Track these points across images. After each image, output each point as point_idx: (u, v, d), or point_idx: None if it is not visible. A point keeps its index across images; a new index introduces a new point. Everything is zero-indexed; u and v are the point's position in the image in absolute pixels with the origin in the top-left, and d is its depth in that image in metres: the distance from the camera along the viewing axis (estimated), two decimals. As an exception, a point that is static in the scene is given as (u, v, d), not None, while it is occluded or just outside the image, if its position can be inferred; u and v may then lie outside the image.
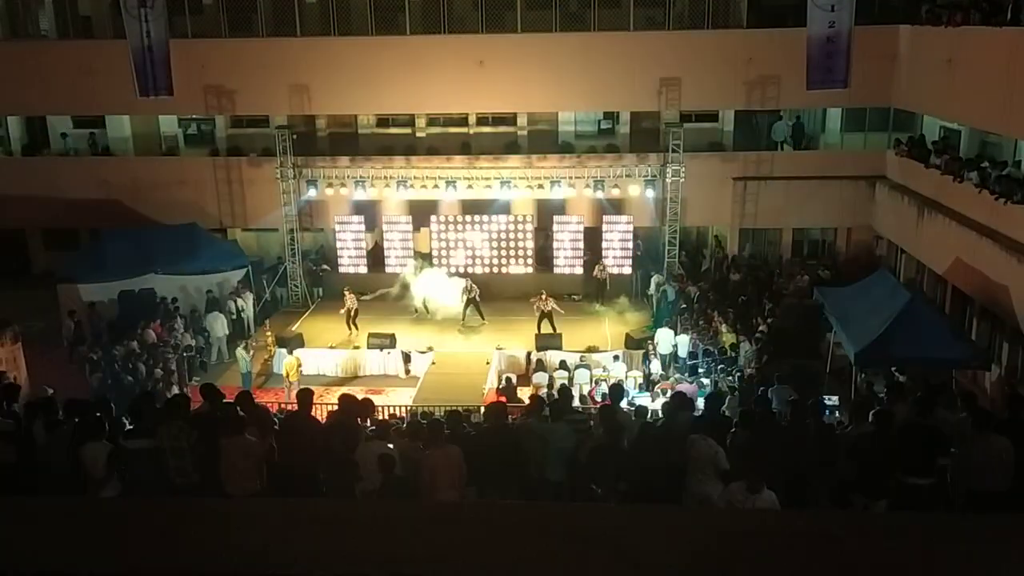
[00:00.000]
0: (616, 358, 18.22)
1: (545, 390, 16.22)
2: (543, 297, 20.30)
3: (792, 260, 24.17)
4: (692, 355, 17.54)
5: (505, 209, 23.67)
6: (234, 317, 20.55)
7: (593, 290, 22.19)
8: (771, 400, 12.23)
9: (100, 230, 22.15)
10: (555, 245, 23.36)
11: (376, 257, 24.36)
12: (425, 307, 21.16)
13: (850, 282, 18.29)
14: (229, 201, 24.34)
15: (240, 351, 18.58)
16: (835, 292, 17.75)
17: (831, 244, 24.58)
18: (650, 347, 18.12)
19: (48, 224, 24.74)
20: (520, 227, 23.13)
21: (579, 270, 23.35)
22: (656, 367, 17.59)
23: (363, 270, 23.74)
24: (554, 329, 20.07)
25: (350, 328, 20.53)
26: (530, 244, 23.18)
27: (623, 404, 10.39)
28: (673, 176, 22.16)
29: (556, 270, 23.38)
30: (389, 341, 19.48)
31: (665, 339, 18.59)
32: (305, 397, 8.63)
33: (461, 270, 22.65)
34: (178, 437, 7.83)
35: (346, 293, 20.52)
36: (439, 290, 21.30)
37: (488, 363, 18.69)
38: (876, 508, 7.31)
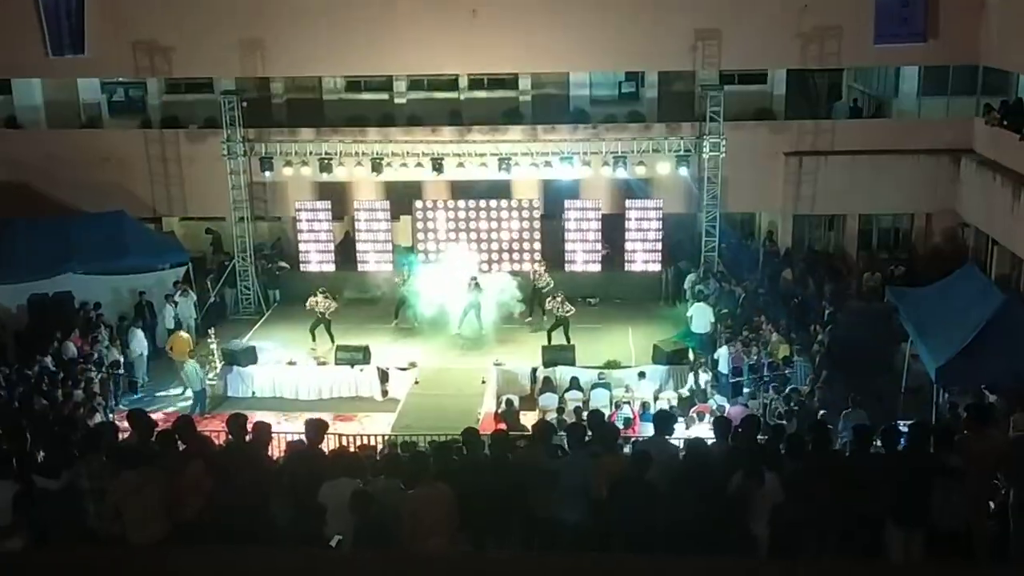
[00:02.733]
0: (642, 375, 18.20)
1: (554, 415, 16.23)
2: (560, 299, 20.34)
3: (859, 254, 24.20)
4: (736, 371, 17.54)
5: (505, 193, 23.67)
6: (171, 328, 20.64)
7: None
8: (835, 427, 12.22)
9: (4, 219, 22.19)
10: (567, 236, 23.39)
11: (346, 252, 24.40)
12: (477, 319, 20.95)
13: (930, 281, 18.28)
14: (164, 184, 24.34)
15: (191, 365, 18.64)
16: (911, 293, 17.74)
17: (906, 233, 24.60)
18: (700, 360, 18.10)
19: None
20: (524, 215, 23.18)
21: (596, 267, 23.42)
22: (705, 380, 17.63)
23: (330, 268, 23.74)
24: (567, 339, 20.12)
25: (315, 338, 20.60)
26: (536, 235, 23.23)
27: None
28: (711, 151, 22.18)
29: (568, 267, 23.41)
30: (362, 355, 19.45)
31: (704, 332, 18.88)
32: (237, 422, 8.65)
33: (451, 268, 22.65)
34: (99, 475, 7.82)
35: (319, 296, 20.52)
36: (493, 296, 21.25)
37: (484, 382, 18.68)
38: (914, 543, 7.51)
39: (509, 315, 21.35)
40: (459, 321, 21.03)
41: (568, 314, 20.20)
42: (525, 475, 8.34)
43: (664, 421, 9.40)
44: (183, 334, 20.13)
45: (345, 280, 23.29)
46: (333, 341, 20.39)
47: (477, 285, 20.85)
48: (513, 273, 21.95)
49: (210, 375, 19.30)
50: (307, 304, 20.47)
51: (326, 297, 20.60)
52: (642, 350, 20.00)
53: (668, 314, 22.40)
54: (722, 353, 18.43)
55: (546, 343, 19.97)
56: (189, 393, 18.89)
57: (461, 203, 23.19)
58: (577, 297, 22.55)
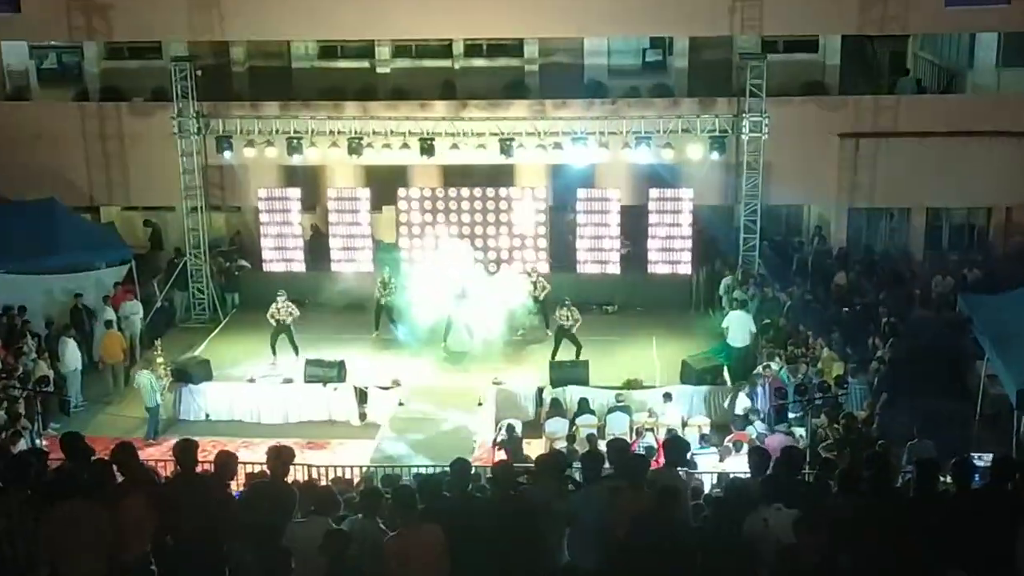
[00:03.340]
0: (668, 397, 18.22)
1: (563, 444, 16.23)
2: (567, 307, 20.38)
3: (926, 254, 24.16)
4: (779, 392, 17.54)
5: (507, 180, 23.56)
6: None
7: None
8: (897, 459, 12.19)
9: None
10: (579, 232, 23.43)
11: (315, 250, 24.39)
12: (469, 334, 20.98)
13: (1010, 286, 18.26)
14: (104, 166, 24.37)
15: (145, 376, 18.69)
16: (988, 302, 17.69)
17: (982, 231, 24.60)
18: (761, 378, 18.11)
19: None
20: (529, 205, 23.17)
21: (614, 268, 23.43)
22: (745, 404, 17.65)
23: (298, 268, 23.80)
24: (578, 354, 20.12)
25: (275, 352, 20.64)
26: (543, 230, 23.23)
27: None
28: (752, 131, 22.19)
29: (580, 268, 23.43)
30: (335, 372, 19.46)
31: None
32: (185, 450, 8.67)
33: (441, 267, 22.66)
34: (21, 513, 7.82)
35: (279, 301, 20.55)
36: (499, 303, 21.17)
37: (481, 403, 18.69)
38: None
39: (519, 328, 21.37)
40: (444, 333, 21.05)
41: (573, 325, 20.22)
42: (531, 515, 8.33)
43: (675, 449, 9.40)
44: (114, 332, 20.23)
45: (316, 283, 23.34)
46: (297, 353, 20.43)
47: (464, 296, 20.89)
48: (528, 275, 21.91)
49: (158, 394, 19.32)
50: (268, 314, 20.50)
51: (288, 301, 20.62)
52: (668, 367, 19.98)
53: (699, 325, 22.35)
54: (759, 373, 18.37)
55: (553, 358, 19.97)
56: (135, 413, 18.94)
57: (455, 192, 23.18)
58: (591, 304, 22.52)
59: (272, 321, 20.51)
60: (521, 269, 22.33)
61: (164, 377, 19.25)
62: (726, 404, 18.74)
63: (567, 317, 20.23)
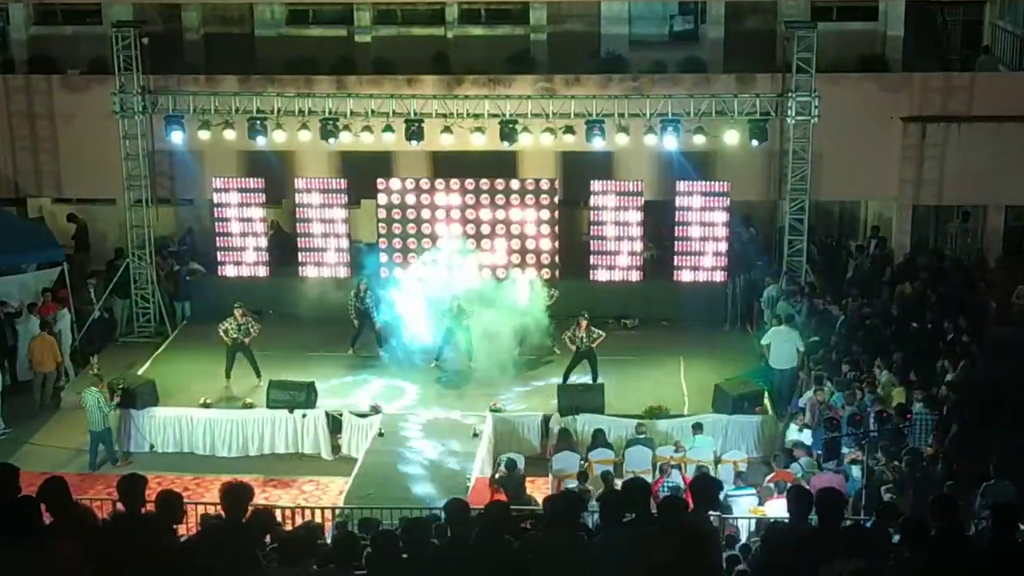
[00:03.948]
0: (698, 428, 18.21)
1: (574, 482, 16.19)
2: (582, 325, 20.38)
3: (1004, 261, 24.15)
4: (830, 423, 17.49)
5: (508, 170, 23.58)
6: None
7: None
8: (970, 504, 12.14)
9: None
10: (594, 232, 23.46)
11: (282, 249, 24.31)
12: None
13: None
14: (31, 150, 24.42)
15: (92, 394, 18.68)
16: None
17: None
18: (810, 406, 18.08)
19: None
20: (535, 200, 23.22)
21: (634, 275, 23.47)
22: (794, 437, 17.62)
23: (261, 272, 23.87)
24: (594, 376, 20.12)
25: (229, 375, 20.64)
26: (552, 230, 23.22)
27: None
28: (799, 114, 22.19)
29: (596, 276, 23.46)
30: (304, 396, 19.49)
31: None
32: (132, 487, 8.65)
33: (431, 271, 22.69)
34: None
35: (236, 313, 20.53)
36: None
37: (476, 434, 18.71)
38: None
39: (520, 345, 21.33)
40: (438, 350, 21.06)
41: (595, 342, 20.21)
42: (537, 567, 8.30)
43: (705, 490, 9.36)
44: (46, 336, 20.27)
45: (281, 290, 23.35)
46: (259, 375, 20.46)
47: (460, 309, 20.90)
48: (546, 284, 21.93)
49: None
50: (221, 330, 20.45)
51: (244, 314, 20.60)
52: (699, 392, 20.00)
53: (736, 342, 22.40)
54: (812, 398, 18.41)
55: (562, 381, 19.95)
56: (66, 442, 18.95)
57: (446, 184, 23.23)
58: (608, 318, 22.51)
59: (226, 339, 20.50)
60: (530, 275, 22.37)
61: (109, 397, 19.14)
62: (768, 437, 18.72)
63: (580, 338, 20.15)
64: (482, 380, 20.58)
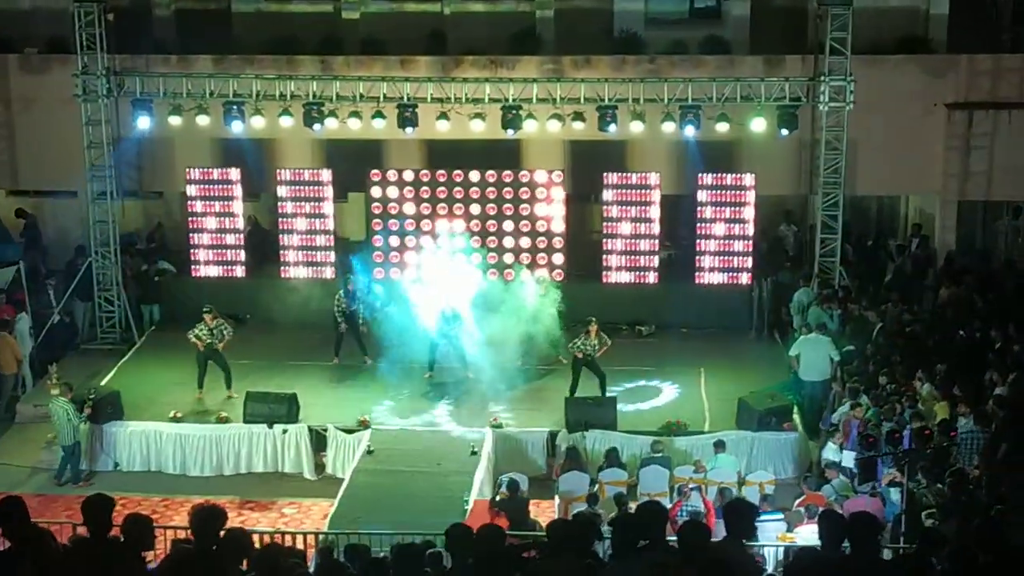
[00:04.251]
0: (720, 446, 18.17)
1: (583, 505, 16.16)
2: (592, 331, 20.36)
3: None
4: (867, 441, 17.45)
5: (511, 160, 23.62)
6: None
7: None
8: (1021, 530, 12.05)
9: None
10: (606, 228, 23.47)
11: (262, 248, 24.24)
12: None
13: None
14: (-16, 139, 24.57)
15: (60, 404, 18.64)
16: None
17: None
18: (844, 422, 18.01)
19: None
20: (540, 194, 23.22)
21: (650, 277, 23.50)
22: (832, 457, 17.58)
23: (238, 273, 23.92)
24: (603, 390, 20.09)
25: (202, 384, 20.61)
26: (559, 227, 23.30)
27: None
28: (833, 100, 22.17)
29: (607, 278, 23.51)
30: (285, 409, 19.48)
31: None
32: (99, 508, 8.64)
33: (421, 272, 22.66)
34: None
35: (206, 318, 20.52)
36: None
37: (475, 452, 18.69)
38: None
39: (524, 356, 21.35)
40: (430, 358, 21.09)
41: (599, 351, 20.16)
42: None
43: (738, 516, 9.30)
44: (6, 335, 20.30)
45: (260, 293, 23.35)
46: (230, 385, 20.46)
47: (455, 314, 20.91)
48: (543, 282, 21.83)
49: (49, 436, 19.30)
50: (192, 336, 20.39)
51: (215, 317, 20.54)
52: (721, 407, 20.03)
53: (762, 352, 22.45)
54: (846, 413, 18.33)
55: (571, 394, 19.93)
56: (22, 459, 18.96)
57: (443, 176, 23.26)
58: (621, 324, 22.50)
59: (199, 345, 20.46)
60: (540, 275, 22.36)
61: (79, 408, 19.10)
62: (797, 456, 18.68)
63: (592, 345, 20.13)
64: (482, 392, 20.56)
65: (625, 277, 23.48)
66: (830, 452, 17.71)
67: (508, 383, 20.66)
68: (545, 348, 21.33)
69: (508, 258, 23.22)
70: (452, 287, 21.38)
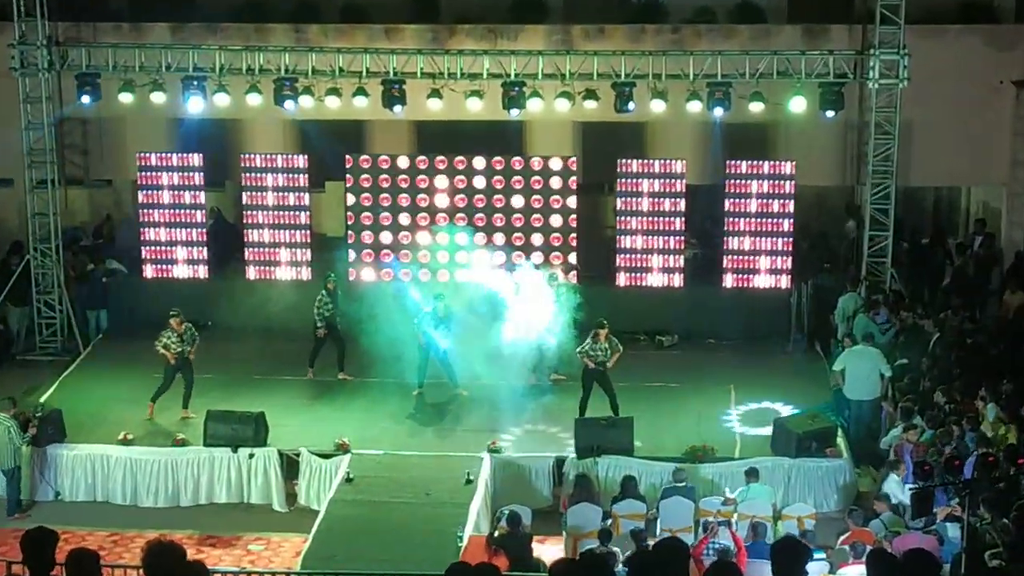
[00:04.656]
0: (753, 474, 18.08)
1: (596, 543, 16.04)
2: (601, 335, 20.15)
3: None
4: (921, 468, 17.37)
5: (513, 145, 23.64)
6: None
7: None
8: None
9: None
10: (620, 224, 23.50)
11: (226, 245, 24.24)
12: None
13: None
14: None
15: (2, 421, 18.46)
16: None
17: None
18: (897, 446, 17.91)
19: None
20: (546, 184, 23.19)
21: (674, 279, 23.50)
22: (893, 488, 17.37)
23: (199, 273, 23.98)
24: (615, 408, 20.00)
25: (155, 400, 20.46)
26: (570, 221, 23.28)
27: None
28: (883, 76, 22.17)
29: (622, 280, 23.55)
30: (251, 431, 19.40)
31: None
32: (39, 544, 8.60)
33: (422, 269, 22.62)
34: None
35: (172, 323, 20.42)
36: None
37: (470, 480, 18.63)
38: None
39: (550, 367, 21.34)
40: (419, 371, 21.03)
41: (611, 359, 19.99)
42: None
43: (790, 558, 9.15)
44: None
45: (222, 297, 23.29)
46: (187, 404, 20.39)
47: (447, 312, 20.84)
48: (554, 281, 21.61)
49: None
50: (159, 345, 20.26)
51: (182, 322, 20.39)
52: (753, 427, 20.05)
53: (801, 366, 22.43)
54: (898, 437, 18.24)
55: (581, 414, 19.84)
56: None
57: (435, 162, 23.26)
58: (639, 334, 22.45)
59: (168, 356, 20.29)
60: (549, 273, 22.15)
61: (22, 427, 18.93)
62: (842, 486, 18.66)
63: (604, 350, 19.98)
64: (479, 411, 20.60)
65: (643, 280, 23.49)
66: (892, 485, 17.49)
67: (511, 401, 20.59)
68: (558, 360, 21.30)
69: (505, 257, 23.09)
70: (443, 286, 21.54)
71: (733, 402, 21.05)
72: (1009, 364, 19.74)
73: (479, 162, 23.25)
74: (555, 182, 23.22)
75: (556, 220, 23.32)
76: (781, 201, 23.07)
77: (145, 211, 23.76)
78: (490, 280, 22.35)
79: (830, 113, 22.23)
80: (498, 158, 23.27)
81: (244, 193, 23.77)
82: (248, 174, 23.65)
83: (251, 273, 23.72)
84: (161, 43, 23.13)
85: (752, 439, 19.72)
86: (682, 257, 23.49)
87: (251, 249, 23.72)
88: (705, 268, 23.85)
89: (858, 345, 20.23)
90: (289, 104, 22.55)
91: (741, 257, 23.27)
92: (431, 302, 21.02)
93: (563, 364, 21.32)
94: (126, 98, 22.74)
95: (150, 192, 23.68)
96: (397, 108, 22.52)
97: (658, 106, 22.31)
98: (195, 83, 22.44)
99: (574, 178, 23.38)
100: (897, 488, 17.31)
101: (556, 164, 23.25)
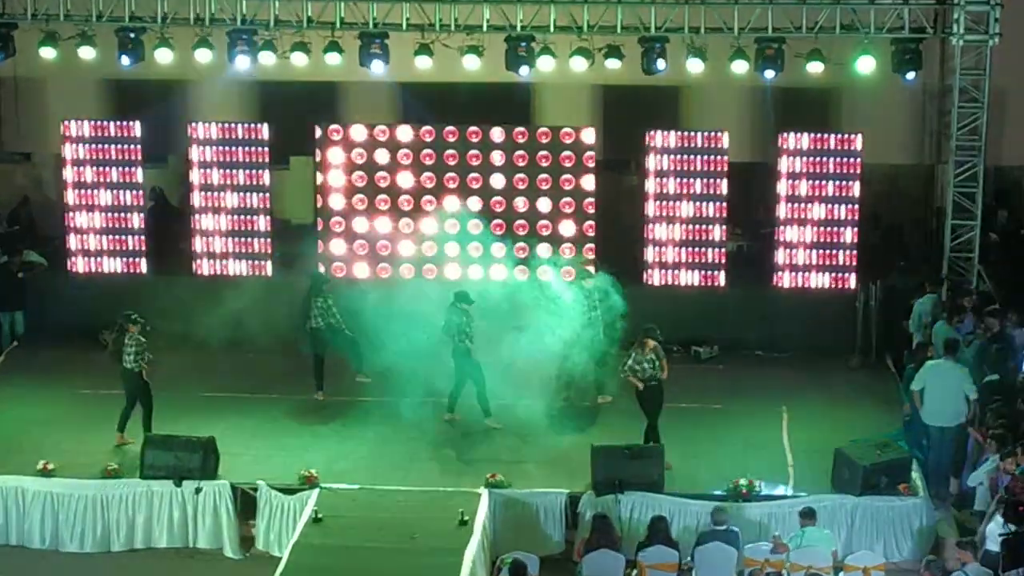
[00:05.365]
0: (809, 515, 18.09)
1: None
2: (648, 345, 20.10)
3: None
4: (1015, 508, 17.42)
5: (520, 113, 23.82)
6: None
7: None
8: None
9: None
10: (648, 211, 23.66)
11: (168, 232, 24.44)
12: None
13: None
14: None
15: None
16: None
17: None
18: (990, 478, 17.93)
19: None
20: (559, 160, 23.27)
21: (715, 277, 23.70)
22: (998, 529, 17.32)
23: (136, 267, 24.12)
24: (649, 433, 20.10)
25: (124, 426, 20.42)
26: (587, 207, 23.43)
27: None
28: (970, 31, 22.16)
29: (651, 278, 23.77)
30: (198, 459, 19.42)
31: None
32: None
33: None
34: None
35: (132, 329, 20.31)
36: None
37: (465, 521, 18.60)
38: None
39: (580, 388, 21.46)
40: (452, 395, 21.19)
41: (657, 371, 20.03)
42: None
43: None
44: None
45: (163, 296, 23.31)
46: (123, 428, 20.49)
47: (466, 312, 20.94)
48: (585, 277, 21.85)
49: None
50: (126, 364, 20.39)
51: (143, 329, 20.42)
52: (810, 460, 20.03)
53: (868, 384, 22.48)
54: (982, 478, 18.35)
55: (650, 439, 19.95)
56: None
57: (425, 134, 23.36)
58: (672, 344, 22.43)
59: (144, 368, 20.41)
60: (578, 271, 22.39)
61: None
62: (918, 530, 18.69)
63: (647, 361, 20.05)
64: (483, 437, 20.78)
65: (676, 278, 23.70)
66: (995, 531, 17.49)
67: (527, 425, 20.77)
68: (592, 376, 21.42)
69: (506, 250, 23.16)
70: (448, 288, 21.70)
71: (785, 428, 21.10)
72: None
73: (477, 134, 23.35)
74: (569, 158, 23.31)
75: (570, 205, 23.46)
76: (845, 183, 23.16)
77: (71, 190, 23.88)
78: (499, 277, 22.72)
79: (911, 75, 22.30)
80: (500, 129, 23.34)
81: (191, 170, 23.85)
82: (196, 147, 23.74)
83: (199, 268, 23.88)
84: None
85: (808, 472, 19.68)
86: (724, 251, 23.64)
87: (200, 238, 23.84)
88: (752, 264, 24.06)
89: (939, 359, 20.31)
90: (243, 61, 22.62)
91: (796, 251, 23.40)
92: (452, 296, 21.13)
93: (608, 382, 21.38)
94: (48, 54, 22.84)
95: (77, 168, 23.79)
96: (378, 66, 22.61)
97: (695, 66, 22.42)
98: (132, 36, 22.50)
99: (592, 154, 23.44)
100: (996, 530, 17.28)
101: (572, 136, 23.32)
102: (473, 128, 23.38)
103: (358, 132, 23.53)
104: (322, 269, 22.81)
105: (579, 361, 20.91)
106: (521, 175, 23.40)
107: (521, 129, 23.50)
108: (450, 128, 23.38)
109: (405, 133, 23.49)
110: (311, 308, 21.69)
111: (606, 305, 21.23)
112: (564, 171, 23.35)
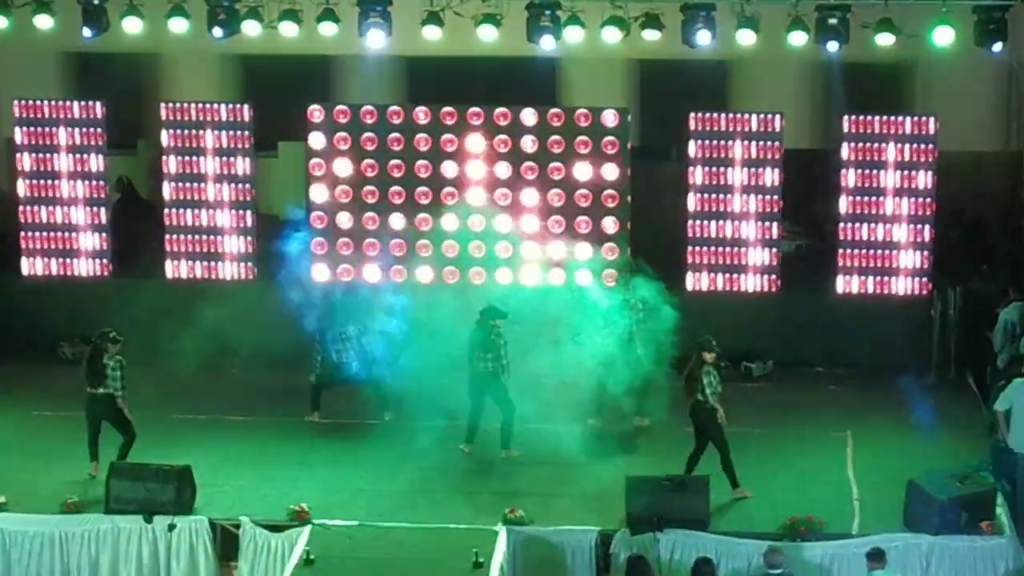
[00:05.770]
0: (877, 557, 17.98)
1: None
2: (708, 357, 20.14)
3: None
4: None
5: (543, 92, 23.94)
6: None
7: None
8: None
9: None
10: (692, 206, 23.70)
11: (137, 229, 24.67)
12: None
13: None
14: None
15: None
16: None
17: None
18: None
19: None
20: (589, 147, 23.28)
21: (767, 282, 23.67)
22: None
23: (99, 269, 24.21)
24: (693, 461, 20.04)
25: (96, 454, 20.42)
26: (622, 200, 23.40)
27: None
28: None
29: (695, 283, 23.82)
30: (172, 492, 19.39)
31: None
32: None
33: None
34: None
35: (111, 348, 20.31)
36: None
37: (480, 563, 18.51)
38: None
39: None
40: (471, 424, 21.20)
41: (718, 391, 19.96)
42: None
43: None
44: None
45: (130, 303, 23.38)
46: (125, 454, 20.34)
47: (494, 329, 20.92)
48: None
49: None
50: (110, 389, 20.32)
51: (120, 348, 20.39)
52: (879, 493, 19.91)
53: (946, 405, 22.35)
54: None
55: (726, 471, 19.87)
56: None
57: (433, 115, 23.38)
58: (721, 360, 22.34)
59: (118, 399, 20.36)
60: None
61: None
62: (1004, 573, 18.46)
63: (715, 378, 20.04)
64: (500, 467, 20.87)
65: (723, 282, 23.80)
66: None
67: (552, 453, 20.81)
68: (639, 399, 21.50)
69: (528, 249, 23.42)
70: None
71: (850, 456, 21.06)
72: None
73: (496, 115, 23.32)
74: (601, 144, 23.28)
75: (601, 196, 23.44)
76: (918, 173, 23.19)
77: (24, 179, 23.99)
78: (531, 282, 22.72)
79: (996, 47, 22.16)
80: (523, 110, 23.30)
81: (163, 157, 23.91)
82: (169, 130, 23.80)
83: (172, 270, 23.95)
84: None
85: (877, 508, 19.60)
86: (779, 251, 23.66)
87: (173, 236, 23.91)
88: (811, 267, 24.09)
89: (1027, 378, 20.18)
90: (223, 31, 22.50)
91: (862, 252, 23.44)
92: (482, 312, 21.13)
93: (647, 402, 21.49)
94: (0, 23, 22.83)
95: (29, 155, 23.90)
96: (379, 38, 22.51)
97: (746, 37, 22.35)
98: (95, 2, 22.37)
99: (627, 139, 23.48)
100: None
101: (603, 119, 23.32)
102: (492, 109, 23.29)
103: (362, 113, 23.53)
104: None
105: (620, 381, 20.90)
106: (548, 162, 23.36)
107: (548, 110, 23.44)
108: (474, 110, 23.30)
109: (413, 115, 23.43)
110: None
111: (655, 317, 21.27)
112: (595, 158, 23.34)
